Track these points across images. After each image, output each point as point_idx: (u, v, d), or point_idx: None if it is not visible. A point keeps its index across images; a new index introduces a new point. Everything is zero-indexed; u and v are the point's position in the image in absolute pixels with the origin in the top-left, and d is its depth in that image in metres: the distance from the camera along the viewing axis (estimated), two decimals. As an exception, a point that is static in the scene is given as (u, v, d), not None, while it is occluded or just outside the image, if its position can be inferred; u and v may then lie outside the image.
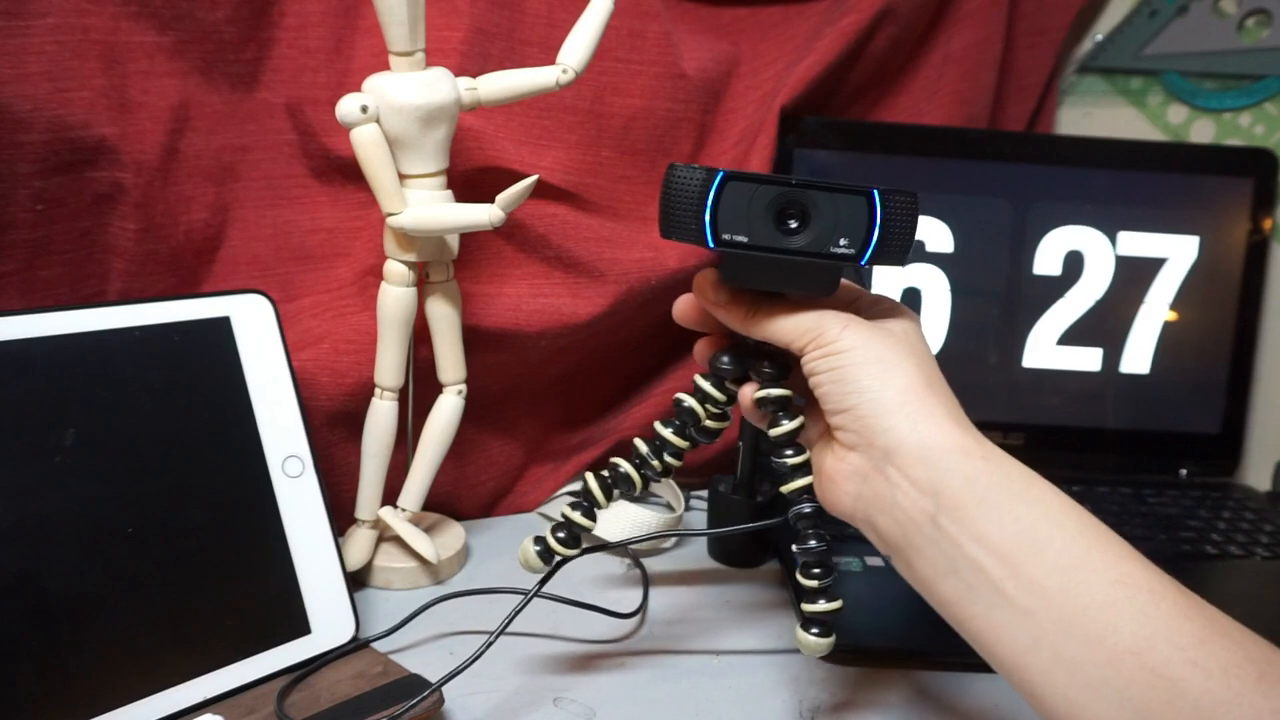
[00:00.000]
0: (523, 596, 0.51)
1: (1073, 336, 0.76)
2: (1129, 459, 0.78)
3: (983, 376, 0.76)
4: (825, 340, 0.42)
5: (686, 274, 0.69)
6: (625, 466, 0.49)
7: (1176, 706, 0.33)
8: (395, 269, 0.56)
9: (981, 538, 0.38)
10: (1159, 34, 0.80)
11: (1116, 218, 0.75)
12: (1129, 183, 0.75)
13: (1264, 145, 0.78)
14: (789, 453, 0.46)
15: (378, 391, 0.58)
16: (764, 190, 0.41)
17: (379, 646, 0.52)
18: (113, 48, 0.55)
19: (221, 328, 0.50)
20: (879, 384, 0.41)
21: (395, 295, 0.56)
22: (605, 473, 0.49)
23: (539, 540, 0.49)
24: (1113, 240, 0.75)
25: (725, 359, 0.48)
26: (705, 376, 0.48)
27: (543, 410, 0.72)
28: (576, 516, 0.49)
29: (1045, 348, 0.76)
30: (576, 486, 0.73)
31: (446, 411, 0.60)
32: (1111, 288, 0.75)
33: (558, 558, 0.49)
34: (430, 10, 0.55)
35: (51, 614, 0.42)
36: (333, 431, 0.61)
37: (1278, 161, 0.76)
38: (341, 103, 0.52)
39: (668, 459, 0.49)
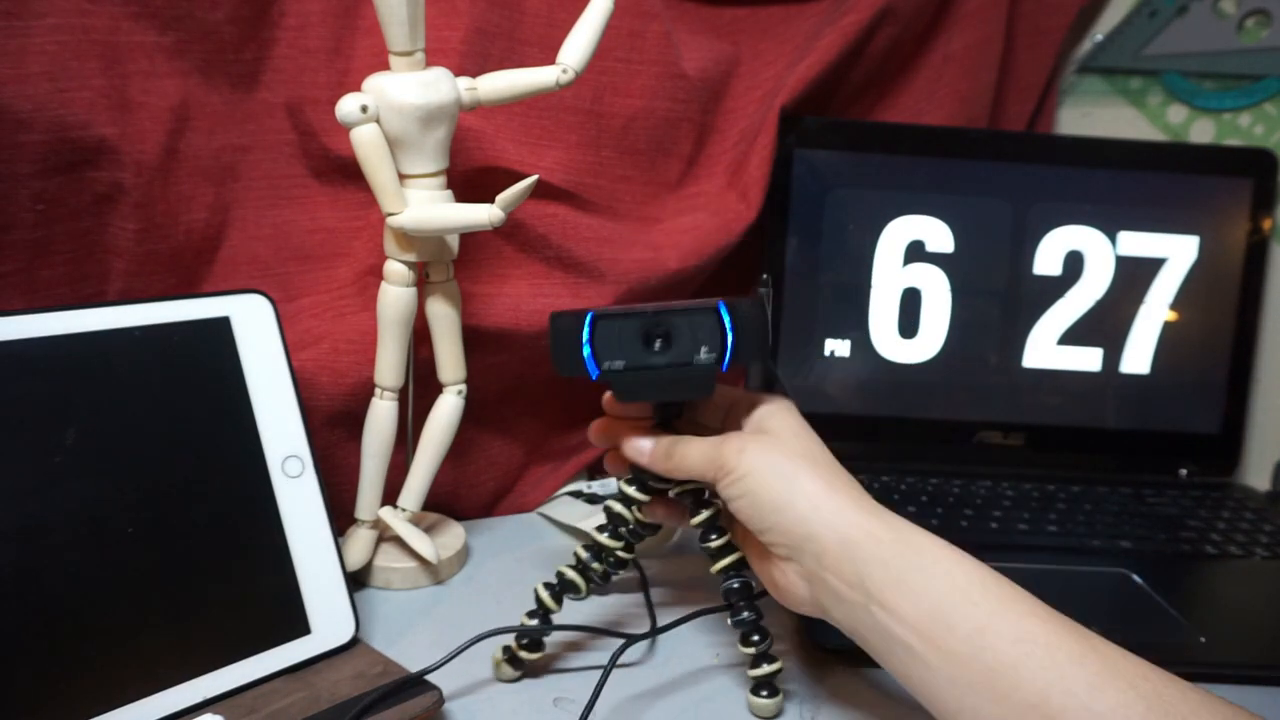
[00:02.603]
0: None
1: (1073, 336, 0.76)
2: (1129, 459, 0.78)
3: (983, 376, 0.76)
4: (729, 468, 0.46)
5: (686, 274, 0.69)
6: (570, 574, 0.52)
7: None
8: (395, 269, 0.56)
9: (903, 619, 0.41)
10: (1159, 34, 0.80)
11: (1116, 218, 0.75)
12: (1129, 183, 0.75)
13: (1264, 145, 0.78)
14: (713, 537, 0.50)
15: (378, 391, 0.58)
16: (628, 323, 0.47)
17: (427, 677, 0.49)
18: (113, 48, 0.55)
19: (221, 328, 0.50)
20: (789, 496, 0.45)
21: (395, 295, 0.56)
22: (554, 581, 0.52)
23: (506, 650, 0.52)
24: (1113, 240, 0.75)
25: (648, 478, 0.51)
26: (630, 482, 0.52)
27: (543, 410, 0.72)
28: (534, 625, 0.52)
29: (1045, 348, 0.76)
30: (575, 486, 0.73)
31: (446, 411, 0.60)
32: (1111, 288, 0.75)
33: (526, 660, 0.52)
34: (430, 10, 0.55)
35: (51, 614, 0.42)
36: (333, 431, 0.61)
37: (1277, 161, 0.76)
38: (341, 103, 0.52)
39: (610, 561, 0.53)
